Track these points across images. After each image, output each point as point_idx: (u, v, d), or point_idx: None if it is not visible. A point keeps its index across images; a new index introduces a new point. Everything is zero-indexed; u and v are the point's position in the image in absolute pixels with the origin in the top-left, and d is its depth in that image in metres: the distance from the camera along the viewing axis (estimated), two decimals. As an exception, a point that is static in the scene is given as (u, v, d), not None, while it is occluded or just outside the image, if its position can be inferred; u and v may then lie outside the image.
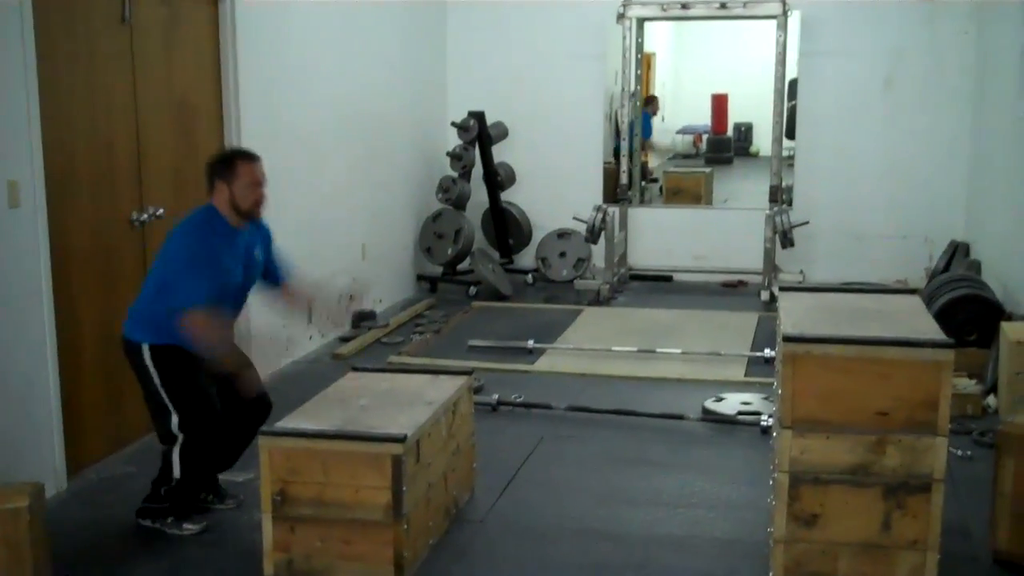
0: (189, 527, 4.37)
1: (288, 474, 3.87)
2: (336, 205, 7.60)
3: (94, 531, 4.44)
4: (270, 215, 6.61)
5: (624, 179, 9.53)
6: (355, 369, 4.82)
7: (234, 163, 4.31)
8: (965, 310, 6.47)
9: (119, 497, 4.73)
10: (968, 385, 5.89)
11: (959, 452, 5.15)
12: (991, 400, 5.85)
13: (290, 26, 6.85)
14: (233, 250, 4.32)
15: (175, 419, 4.21)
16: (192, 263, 4.12)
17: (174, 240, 4.26)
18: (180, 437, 4.23)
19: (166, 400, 4.22)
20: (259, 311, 6.49)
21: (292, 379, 6.56)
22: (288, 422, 4.04)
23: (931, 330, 3.78)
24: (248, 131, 6.31)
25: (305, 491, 3.86)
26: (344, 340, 7.44)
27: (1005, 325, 5.88)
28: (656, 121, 15.38)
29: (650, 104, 13.44)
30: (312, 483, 3.85)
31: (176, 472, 4.26)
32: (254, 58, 6.36)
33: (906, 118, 9.14)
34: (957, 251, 8.64)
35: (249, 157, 4.37)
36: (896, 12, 9.02)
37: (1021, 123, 6.72)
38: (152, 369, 4.22)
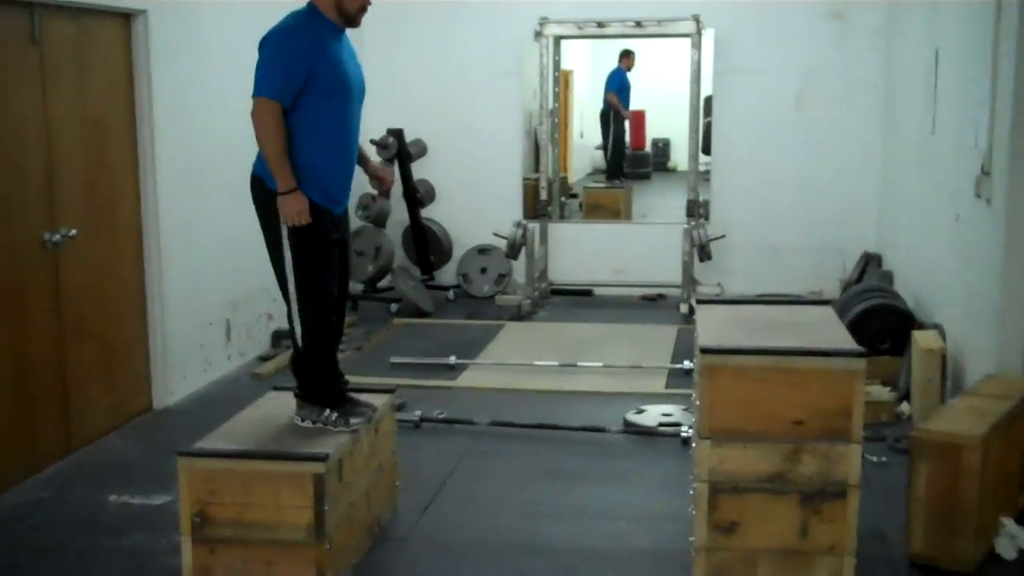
0: (356, 421, 4.17)
1: (207, 495, 3.82)
2: (253, 224, 7.46)
3: (8, 557, 4.34)
4: (190, 232, 6.57)
5: (544, 195, 9.59)
6: (275, 388, 4.78)
7: None
8: (878, 320, 6.61)
9: (33, 523, 4.64)
10: (882, 393, 6.01)
11: (874, 458, 5.26)
12: (904, 407, 5.98)
13: (205, 44, 6.78)
14: (347, 51, 4.17)
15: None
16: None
17: (271, 42, 4.10)
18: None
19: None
20: (178, 320, 6.43)
21: (211, 400, 6.48)
22: (207, 443, 3.99)
23: (844, 340, 3.86)
24: (163, 150, 6.24)
25: (225, 512, 3.82)
26: (264, 359, 7.37)
27: (916, 334, 6.01)
28: (575, 137, 15.52)
29: (626, 58, 13.77)
30: (232, 504, 3.81)
31: (297, 339, 4.17)
32: (168, 77, 6.29)
33: (818, 133, 9.32)
34: (870, 262, 8.83)
35: None
36: (808, 30, 9.21)
37: (928, 138, 6.90)
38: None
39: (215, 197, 6.91)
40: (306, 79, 4.02)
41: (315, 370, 4.21)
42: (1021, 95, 4.82)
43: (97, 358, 5.81)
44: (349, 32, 4.24)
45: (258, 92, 4.06)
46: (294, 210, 4.03)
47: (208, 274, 6.86)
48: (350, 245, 4.52)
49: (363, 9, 4.14)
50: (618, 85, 13.96)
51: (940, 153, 6.53)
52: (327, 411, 4.15)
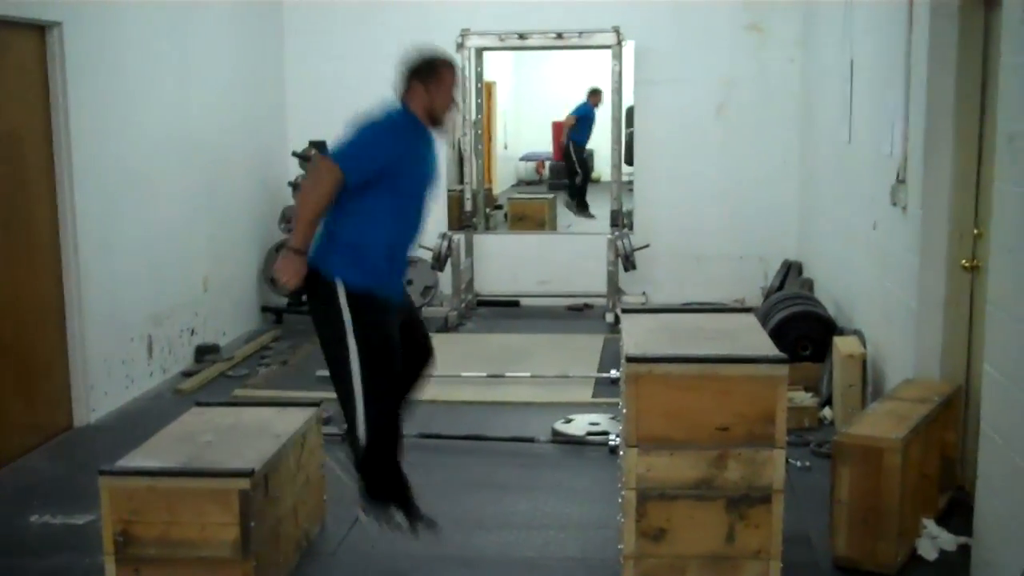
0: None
1: (131, 514, 3.75)
2: (175, 237, 7.43)
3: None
4: (109, 247, 6.45)
5: (468, 206, 9.59)
6: (199, 404, 4.72)
7: (437, 66, 4.16)
8: (799, 326, 6.71)
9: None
10: (804, 398, 6.10)
11: (798, 463, 5.34)
12: (827, 412, 6.08)
13: (123, 56, 6.69)
14: (429, 148, 4.20)
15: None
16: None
17: (369, 128, 4.08)
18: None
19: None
20: (98, 336, 6.32)
21: (133, 417, 6.37)
22: (129, 461, 3.93)
23: (766, 347, 3.91)
24: (80, 163, 6.13)
25: (149, 531, 3.75)
26: (187, 375, 7.26)
27: (837, 340, 6.12)
28: (499, 149, 15.55)
29: (594, 96, 13.72)
30: (156, 522, 3.75)
31: (362, 435, 4.10)
32: (85, 89, 6.19)
33: (738, 143, 9.45)
34: (791, 270, 8.97)
35: (452, 64, 4.22)
36: (727, 41, 9.34)
37: (844, 147, 7.03)
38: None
39: (135, 212, 6.82)
40: (381, 175, 4.02)
41: (380, 467, 4.18)
42: (934, 104, 4.94)
43: (15, 376, 5.69)
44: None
45: (332, 154, 4.02)
46: (292, 268, 3.99)
47: (129, 289, 6.75)
48: (422, 324, 4.53)
49: (449, 111, 4.21)
50: (582, 117, 13.95)
51: (856, 162, 6.66)
52: (395, 512, 4.19)
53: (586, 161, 14.40)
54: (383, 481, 4.19)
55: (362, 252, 4.04)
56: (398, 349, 4.16)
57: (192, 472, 3.82)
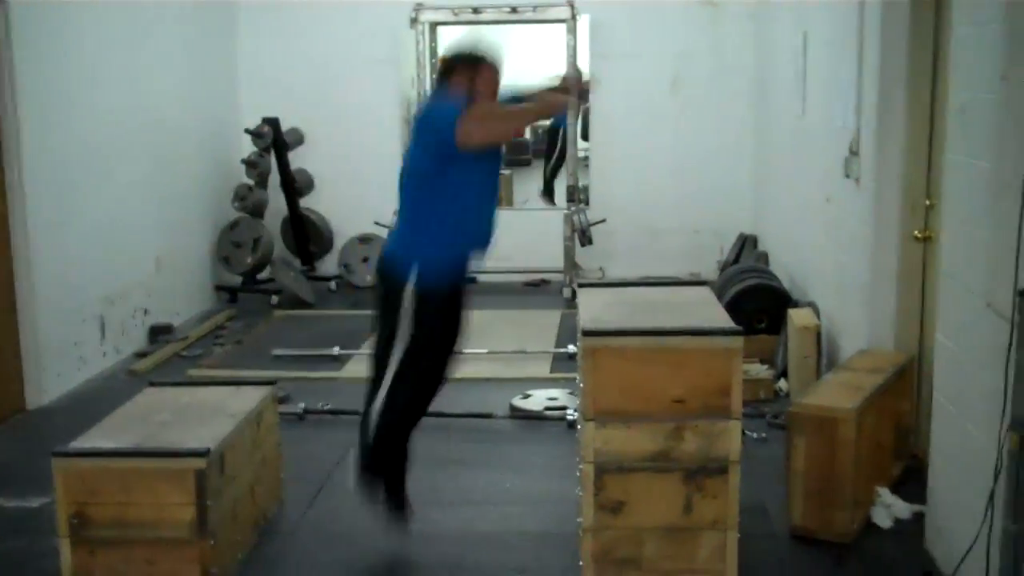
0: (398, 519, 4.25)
1: (85, 495, 3.71)
2: (126, 216, 7.34)
3: None
4: (60, 227, 6.36)
5: (424, 183, 9.52)
6: (153, 384, 4.67)
7: (482, 63, 4.14)
8: (754, 299, 6.75)
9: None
10: (760, 370, 6.15)
11: (754, 435, 5.38)
12: (782, 384, 6.13)
13: (71, 32, 6.58)
14: None
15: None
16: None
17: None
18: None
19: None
20: (49, 317, 6.24)
21: (86, 398, 6.31)
22: (83, 441, 3.89)
23: (722, 319, 3.93)
24: (29, 142, 6.04)
25: (104, 512, 3.72)
26: (140, 356, 7.19)
27: (792, 312, 6.16)
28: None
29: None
30: (111, 504, 3.72)
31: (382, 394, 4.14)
32: (33, 66, 6.08)
33: (693, 117, 9.47)
34: (746, 243, 9.02)
35: (496, 61, 4.19)
36: (681, 15, 9.34)
37: (797, 120, 7.06)
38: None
39: (86, 190, 6.73)
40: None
41: (389, 444, 4.23)
42: (886, 76, 4.96)
43: (-36, 359, 5.61)
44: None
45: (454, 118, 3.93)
46: (562, 98, 4.19)
47: (80, 270, 6.67)
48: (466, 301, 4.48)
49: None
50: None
51: (810, 135, 6.69)
52: (382, 492, 4.22)
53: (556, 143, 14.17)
54: (386, 459, 4.22)
55: (447, 236, 4.10)
56: (449, 336, 4.29)
57: (147, 452, 3.78)
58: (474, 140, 3.90)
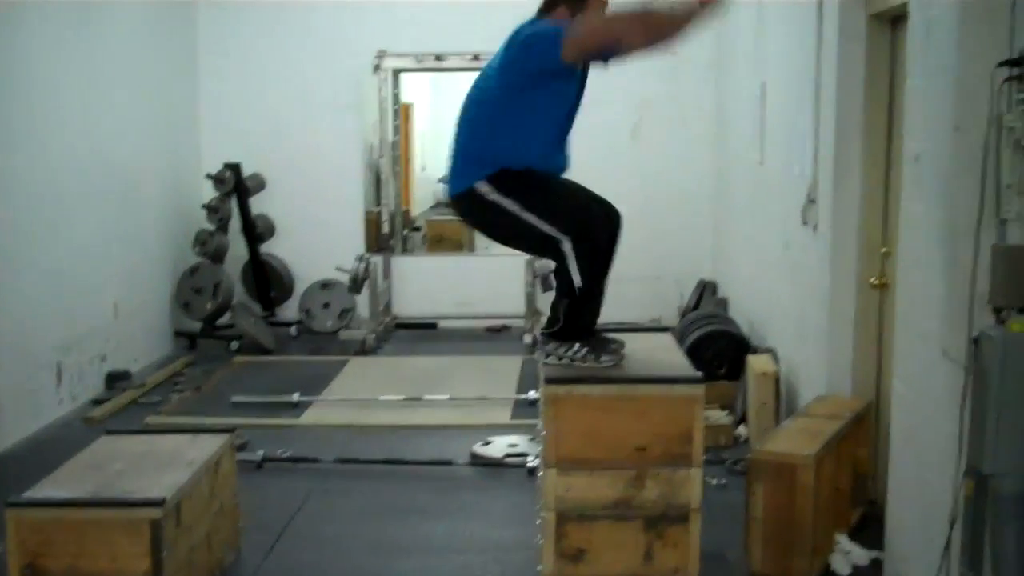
0: (607, 359, 3.82)
1: (39, 546, 3.65)
2: (84, 262, 7.27)
3: None
4: (15, 272, 6.29)
5: (386, 228, 9.54)
6: (109, 432, 4.61)
7: None
8: (714, 345, 6.79)
9: None
10: (720, 416, 6.16)
11: (714, 481, 5.38)
12: (742, 430, 6.15)
13: (27, 77, 6.54)
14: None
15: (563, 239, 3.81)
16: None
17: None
18: (570, 247, 3.82)
19: (540, 226, 3.79)
20: (4, 364, 6.15)
21: (41, 446, 6.21)
22: (37, 491, 3.82)
23: (683, 366, 3.94)
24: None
25: (58, 563, 3.66)
26: (97, 403, 7.10)
27: (751, 358, 6.20)
28: (417, 170, 15.50)
29: None
30: (65, 554, 3.66)
31: (577, 280, 3.83)
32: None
33: (654, 164, 9.54)
34: (705, 290, 9.07)
35: None
36: (642, 63, 9.35)
37: (756, 168, 7.13)
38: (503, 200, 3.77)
39: (42, 235, 6.67)
40: (564, 72, 3.88)
41: (588, 305, 3.92)
42: (843, 125, 5.04)
43: (-84, 406, 5.52)
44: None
45: (578, 33, 3.69)
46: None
47: (36, 316, 6.59)
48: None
49: None
50: None
51: (769, 182, 6.77)
52: (576, 346, 3.85)
53: None
54: (584, 319, 3.93)
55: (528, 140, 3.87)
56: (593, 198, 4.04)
57: (101, 502, 3.73)
58: (595, 40, 3.69)
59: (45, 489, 3.85)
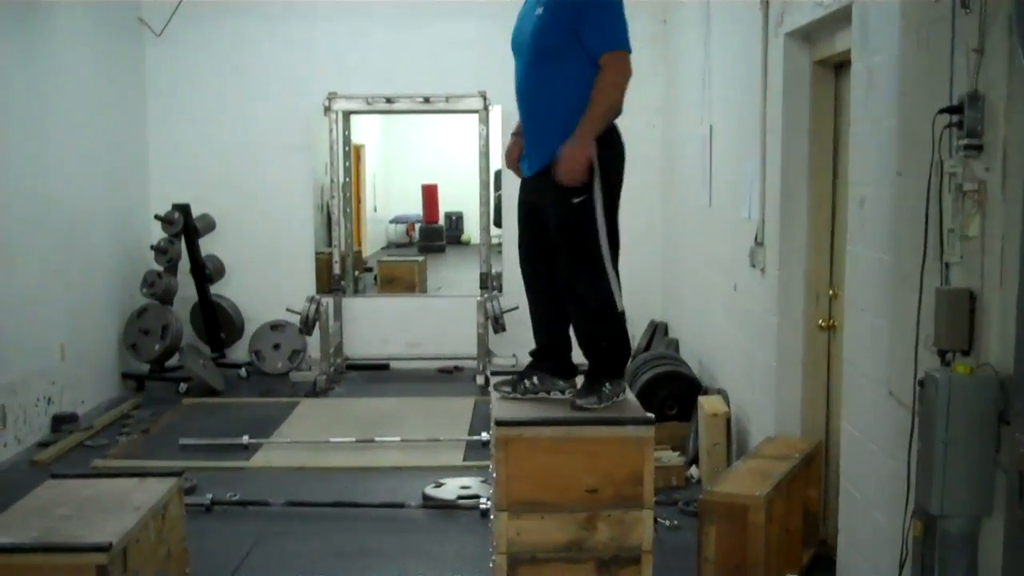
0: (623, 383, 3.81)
1: (-20, 594, 3.58)
2: (28, 303, 7.18)
3: None
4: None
5: (337, 269, 9.53)
6: (55, 476, 4.53)
7: None
8: (666, 386, 6.82)
9: None
10: (672, 457, 6.18)
11: (666, 522, 5.39)
12: (693, 471, 6.17)
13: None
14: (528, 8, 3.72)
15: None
16: None
17: None
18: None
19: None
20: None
21: (-16, 491, 6.10)
22: (-21, 538, 3.75)
23: (633, 408, 3.95)
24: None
25: (1, 611, 3.58)
26: (43, 445, 6.99)
27: (702, 399, 6.23)
28: (369, 211, 15.52)
29: None
30: (8, 602, 3.58)
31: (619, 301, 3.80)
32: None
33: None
34: (656, 330, 9.13)
35: None
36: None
37: (705, 210, 7.21)
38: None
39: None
40: None
41: (619, 336, 3.85)
42: (789, 169, 5.12)
43: None
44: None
45: (618, 43, 3.59)
46: (585, 157, 3.57)
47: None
48: (540, 211, 3.83)
49: None
50: None
51: (717, 225, 6.84)
52: (622, 382, 3.82)
53: None
54: (620, 354, 3.88)
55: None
56: None
57: (46, 547, 3.66)
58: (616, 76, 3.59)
59: (-12, 535, 3.78)
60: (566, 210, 3.69)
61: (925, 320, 3.20)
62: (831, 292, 4.98)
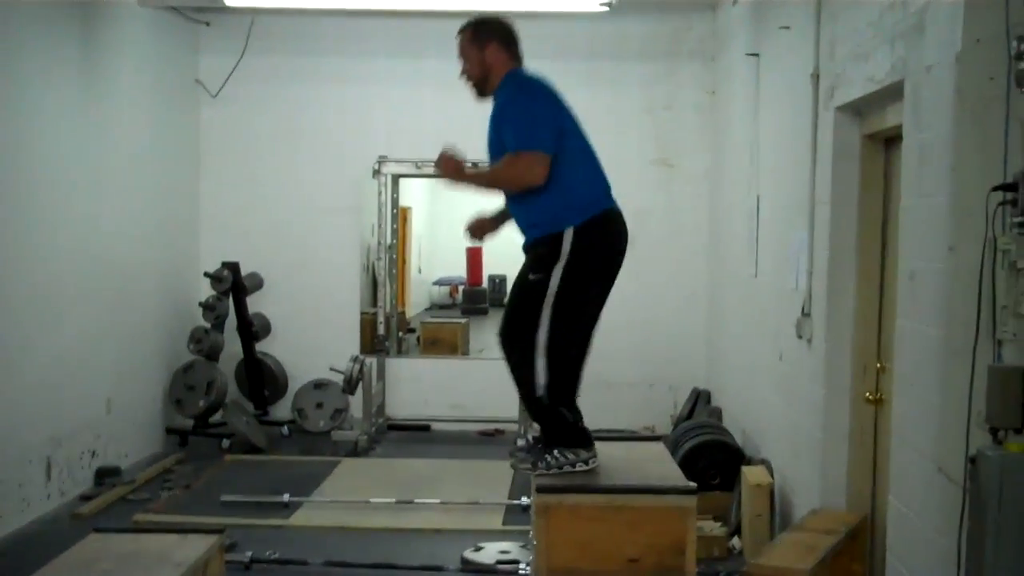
0: (586, 454, 3.92)
1: (21, 647, 3.59)
2: (78, 357, 7.26)
3: None
4: (7, 365, 6.28)
5: (381, 329, 9.57)
6: (97, 530, 4.57)
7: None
8: (708, 455, 6.76)
9: None
10: (714, 528, 6.11)
11: (707, 594, 5.32)
12: (736, 542, 6.09)
13: (31, 170, 6.62)
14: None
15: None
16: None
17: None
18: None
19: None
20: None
21: (28, 542, 6.14)
22: (22, 590, 3.78)
23: (675, 476, 3.93)
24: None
25: (39, 665, 3.59)
26: (86, 499, 7.04)
27: (745, 469, 6.18)
28: (413, 272, 15.61)
29: None
30: (48, 656, 3.59)
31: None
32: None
33: (649, 273, 9.57)
34: (699, 398, 9.07)
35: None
36: (638, 174, 9.54)
37: (750, 280, 7.20)
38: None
39: (38, 330, 6.68)
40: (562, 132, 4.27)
41: (549, 417, 4.07)
42: (837, 241, 5.11)
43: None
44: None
45: (528, 143, 4.07)
46: (453, 164, 4.30)
47: (27, 410, 6.56)
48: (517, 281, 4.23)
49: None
50: None
51: (763, 295, 6.82)
52: (579, 451, 3.96)
53: None
54: (564, 426, 4.03)
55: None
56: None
57: (88, 602, 3.68)
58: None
59: (31, 588, 3.80)
60: (522, 283, 4.11)
61: (976, 396, 3.17)
62: (879, 365, 4.94)
